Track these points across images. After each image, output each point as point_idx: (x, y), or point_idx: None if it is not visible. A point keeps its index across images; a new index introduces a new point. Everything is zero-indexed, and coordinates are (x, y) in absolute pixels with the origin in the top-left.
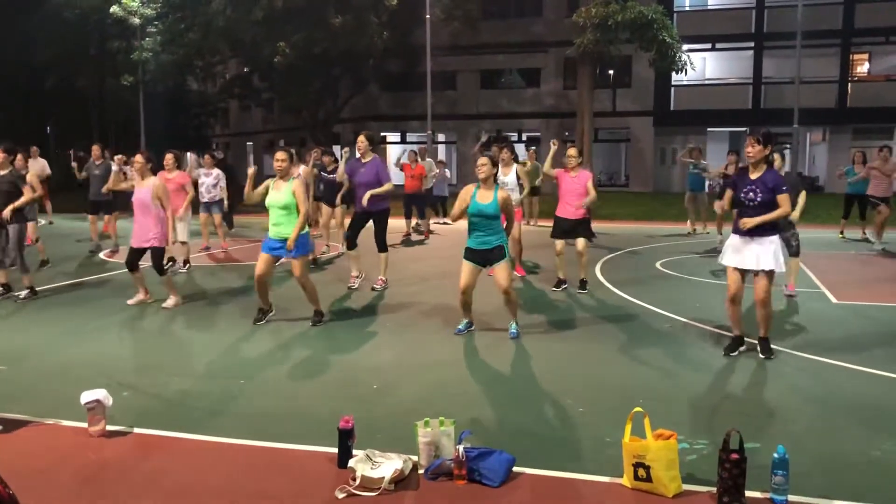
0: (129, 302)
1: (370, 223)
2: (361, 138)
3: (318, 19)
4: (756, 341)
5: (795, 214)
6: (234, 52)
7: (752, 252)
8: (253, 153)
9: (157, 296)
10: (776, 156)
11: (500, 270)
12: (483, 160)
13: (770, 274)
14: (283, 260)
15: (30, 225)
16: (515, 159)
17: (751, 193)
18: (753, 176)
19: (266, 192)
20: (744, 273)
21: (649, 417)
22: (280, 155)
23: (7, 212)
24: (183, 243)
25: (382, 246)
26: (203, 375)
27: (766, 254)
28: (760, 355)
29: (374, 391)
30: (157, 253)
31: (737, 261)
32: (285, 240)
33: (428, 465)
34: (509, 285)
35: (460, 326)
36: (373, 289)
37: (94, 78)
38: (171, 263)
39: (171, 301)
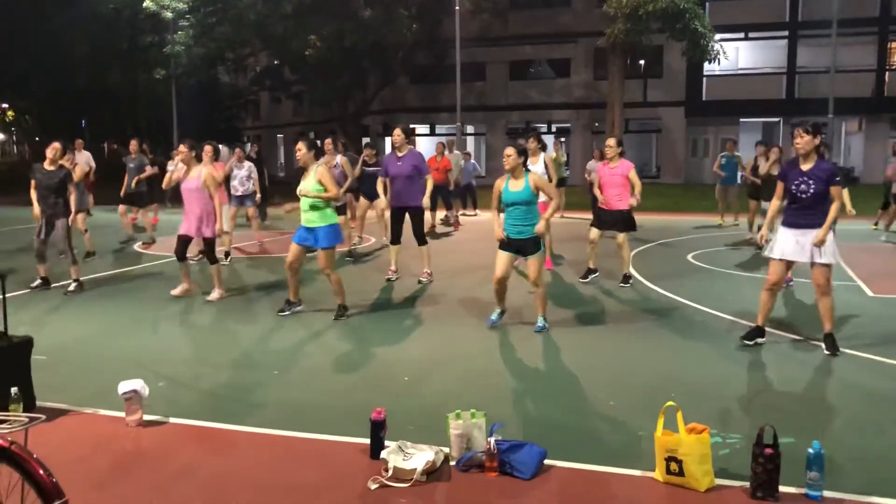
0: (173, 292)
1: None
2: (398, 131)
3: (347, 12)
4: (821, 340)
5: (851, 209)
6: (265, 45)
7: (807, 244)
8: (283, 145)
9: (202, 287)
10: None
11: (533, 262)
12: (508, 151)
13: (827, 266)
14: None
15: (80, 216)
16: (543, 149)
17: (803, 185)
18: (805, 167)
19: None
20: (789, 267)
21: (682, 411)
22: (298, 145)
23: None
24: (226, 233)
25: (421, 239)
26: (237, 366)
27: (822, 245)
28: (825, 352)
29: (405, 383)
30: (210, 242)
31: (790, 253)
32: (315, 228)
33: (459, 456)
34: (539, 278)
35: (493, 317)
36: (419, 282)
37: (126, 73)
38: (224, 256)
39: (215, 294)
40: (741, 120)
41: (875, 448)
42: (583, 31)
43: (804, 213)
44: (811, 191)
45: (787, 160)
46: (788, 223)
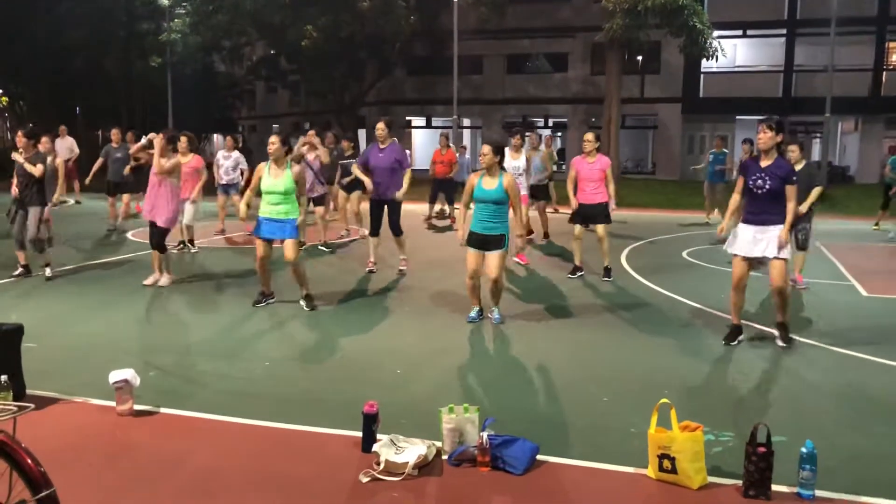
0: (145, 282)
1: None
2: (381, 125)
3: (345, 2)
4: (775, 330)
5: (802, 208)
6: (262, 34)
7: (761, 241)
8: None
9: (180, 277)
10: (794, 146)
11: (493, 258)
12: (485, 149)
13: (784, 260)
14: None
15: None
16: (523, 146)
17: (759, 181)
18: (764, 164)
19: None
20: (750, 263)
21: (675, 408)
22: (272, 139)
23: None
24: (188, 226)
25: (397, 230)
26: (229, 357)
27: (774, 242)
28: (779, 343)
29: (397, 376)
30: (160, 231)
31: (746, 249)
32: (282, 220)
33: (452, 451)
34: (499, 276)
35: (472, 314)
36: (400, 272)
37: (122, 59)
38: (181, 246)
39: (156, 279)
40: (737, 117)
41: (867, 447)
42: (581, 26)
43: (761, 209)
44: (766, 187)
45: (750, 156)
46: (746, 219)
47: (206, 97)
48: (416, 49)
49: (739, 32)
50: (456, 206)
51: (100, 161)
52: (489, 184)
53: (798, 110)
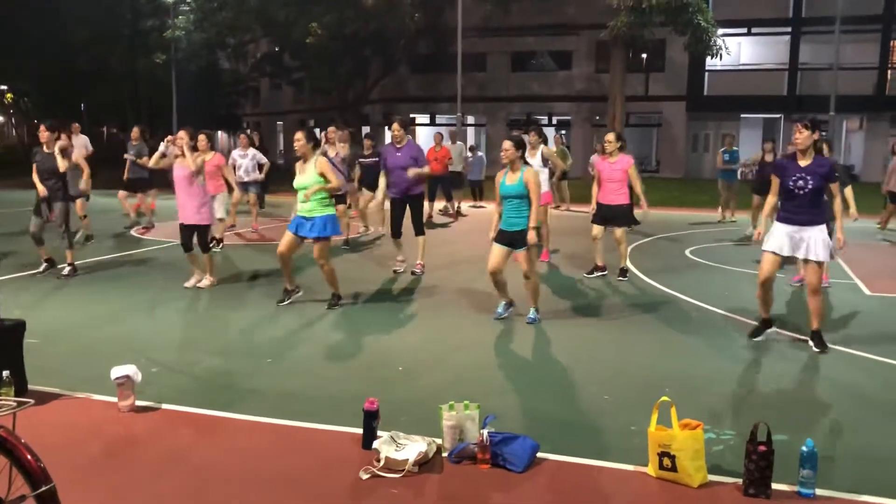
0: (187, 285)
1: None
2: (396, 125)
3: (349, 0)
4: (808, 337)
5: (854, 212)
6: (266, 31)
7: (801, 241)
8: (283, 133)
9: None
10: (825, 144)
11: (524, 254)
12: (506, 144)
13: (820, 263)
14: (307, 241)
15: (79, 202)
16: (545, 142)
17: (800, 181)
18: (803, 163)
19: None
20: (780, 262)
21: (676, 406)
22: (297, 135)
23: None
24: (220, 220)
25: (420, 229)
26: (231, 354)
27: (816, 243)
28: (815, 349)
29: (399, 373)
30: (202, 230)
31: (786, 248)
32: (311, 218)
33: (452, 448)
34: (531, 269)
35: (499, 310)
36: (412, 273)
37: (126, 57)
38: (216, 243)
39: (206, 281)
40: (742, 116)
41: (868, 447)
42: (585, 24)
43: (801, 209)
44: (809, 187)
45: (784, 155)
46: (784, 219)
47: (210, 94)
48: (420, 46)
49: (744, 30)
50: (465, 202)
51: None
52: (511, 179)
53: (803, 108)
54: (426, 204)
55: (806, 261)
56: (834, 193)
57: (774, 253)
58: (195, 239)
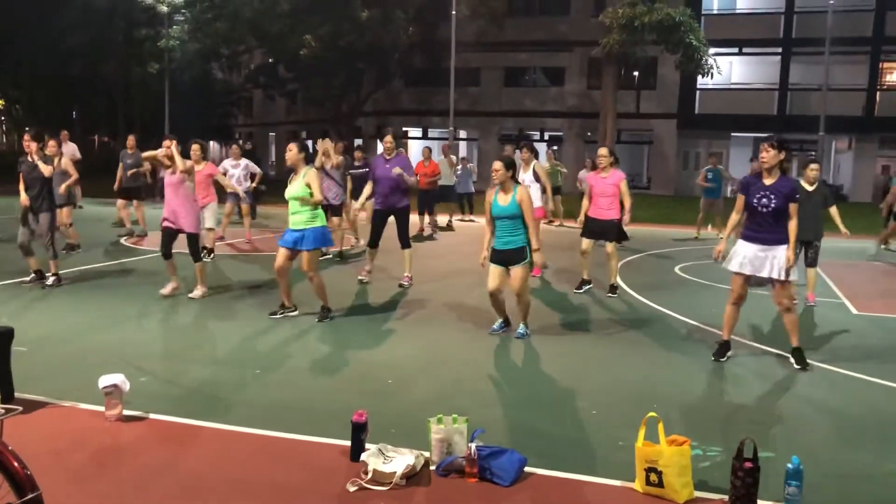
0: (162, 291)
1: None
2: (389, 138)
3: (344, 12)
4: (789, 354)
5: (844, 230)
6: (260, 42)
7: (766, 259)
8: (275, 144)
9: (188, 285)
10: (816, 165)
11: (517, 272)
12: (496, 165)
13: (788, 282)
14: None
15: (65, 210)
16: (536, 156)
17: (764, 199)
18: (768, 182)
19: None
20: (747, 280)
21: (663, 423)
22: (289, 146)
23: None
24: (209, 229)
25: (406, 242)
26: (220, 364)
27: (782, 262)
28: (796, 366)
29: (388, 386)
30: (192, 238)
31: (749, 268)
32: (303, 230)
33: (440, 461)
34: (522, 287)
35: (495, 326)
36: (400, 286)
37: (120, 65)
38: (207, 253)
39: (198, 291)
40: (732, 134)
41: (853, 464)
42: (578, 41)
43: (763, 228)
44: (772, 205)
45: (750, 174)
46: (747, 237)
47: (203, 104)
48: (415, 60)
49: (735, 50)
50: (438, 215)
51: (121, 167)
52: (504, 199)
53: (792, 128)
54: (417, 218)
55: (773, 280)
56: (791, 214)
57: (740, 273)
58: (187, 248)
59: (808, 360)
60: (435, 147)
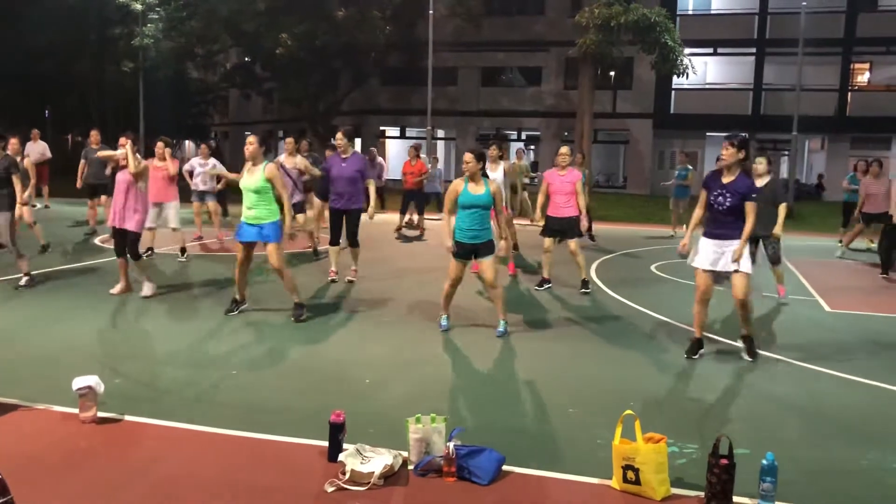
0: (112, 291)
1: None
2: (340, 135)
3: (321, 12)
4: (741, 343)
5: (777, 230)
6: (236, 41)
7: (723, 255)
8: None
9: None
10: (762, 159)
11: (487, 264)
12: (467, 156)
13: (745, 274)
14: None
15: (26, 209)
16: (501, 157)
17: (720, 198)
18: (726, 180)
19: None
20: (713, 277)
21: (640, 420)
22: (250, 139)
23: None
24: (174, 230)
25: (354, 241)
26: (196, 365)
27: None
28: (745, 357)
29: (366, 386)
30: (133, 236)
31: (709, 263)
32: (260, 224)
33: (418, 461)
34: (494, 277)
35: (443, 322)
36: (349, 281)
37: (93, 64)
38: (149, 252)
39: (146, 289)
40: (708, 134)
41: (826, 460)
42: (555, 41)
43: (720, 225)
44: (727, 203)
45: (712, 171)
46: (707, 233)
47: (178, 103)
48: (392, 59)
49: (710, 50)
50: (426, 216)
51: (83, 164)
52: (476, 189)
53: (766, 128)
54: (398, 217)
55: (728, 273)
56: (747, 212)
57: (703, 269)
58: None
59: (780, 357)
60: (421, 146)
